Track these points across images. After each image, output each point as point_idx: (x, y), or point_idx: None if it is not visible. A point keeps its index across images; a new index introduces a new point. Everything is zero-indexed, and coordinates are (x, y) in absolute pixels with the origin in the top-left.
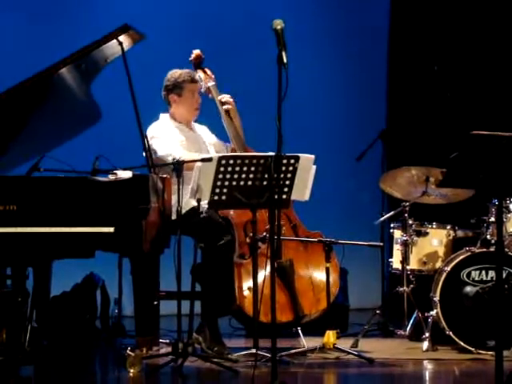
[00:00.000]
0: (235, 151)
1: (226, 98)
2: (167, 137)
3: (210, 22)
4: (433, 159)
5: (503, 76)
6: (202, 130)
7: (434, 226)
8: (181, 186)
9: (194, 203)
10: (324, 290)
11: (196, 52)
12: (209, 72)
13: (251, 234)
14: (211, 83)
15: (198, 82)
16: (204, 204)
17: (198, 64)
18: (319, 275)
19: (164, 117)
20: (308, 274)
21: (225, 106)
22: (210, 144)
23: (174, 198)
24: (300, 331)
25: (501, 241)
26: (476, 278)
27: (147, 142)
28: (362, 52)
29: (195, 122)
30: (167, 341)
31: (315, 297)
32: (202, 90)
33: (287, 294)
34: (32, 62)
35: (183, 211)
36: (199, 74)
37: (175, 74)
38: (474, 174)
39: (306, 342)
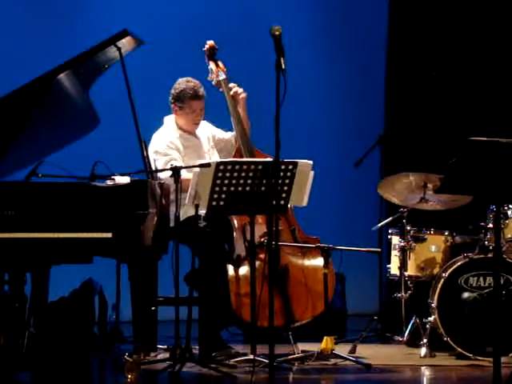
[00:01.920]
0: (241, 152)
1: (237, 89)
2: (170, 154)
3: (209, 25)
4: (431, 165)
5: (502, 82)
6: (204, 130)
7: (432, 232)
8: (179, 193)
9: (192, 212)
10: (319, 296)
11: (210, 43)
12: (221, 65)
13: (249, 238)
14: (222, 77)
15: (201, 99)
16: (202, 210)
17: (211, 55)
18: (315, 280)
19: (168, 121)
20: (304, 279)
21: (241, 95)
22: (213, 147)
23: (173, 205)
24: (291, 337)
25: (499, 247)
26: (474, 284)
27: (146, 147)
28: (360, 57)
29: None
30: (165, 346)
31: (309, 302)
32: (213, 83)
33: (280, 299)
34: (31, 67)
35: (181, 219)
36: (210, 67)
37: (181, 85)
38: (472, 180)
39: (298, 348)
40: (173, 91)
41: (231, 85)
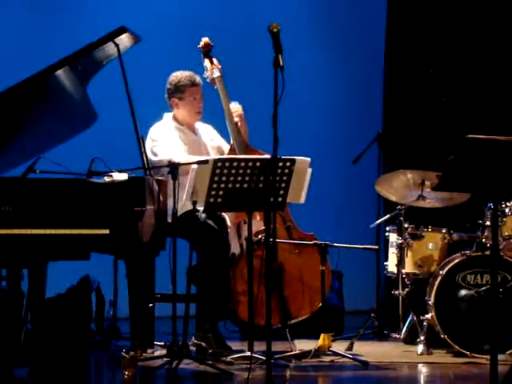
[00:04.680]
0: (234, 149)
1: (235, 108)
2: (168, 140)
3: (209, 23)
4: (429, 163)
5: (499, 79)
6: (206, 131)
7: (430, 230)
8: (176, 189)
9: (190, 206)
10: (315, 293)
11: (204, 40)
12: (215, 62)
13: (245, 236)
14: (216, 74)
15: (199, 86)
16: (200, 207)
17: (206, 52)
18: (311, 277)
19: (167, 117)
20: (300, 277)
21: (235, 119)
22: (213, 147)
23: (170, 201)
24: (288, 334)
25: (496, 244)
26: (471, 282)
27: (143, 143)
28: (358, 55)
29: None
30: (162, 343)
31: (306, 299)
32: (208, 80)
33: (275, 297)
34: (30, 63)
35: (179, 213)
36: (205, 64)
37: (176, 77)
38: (469, 177)
39: (295, 345)
40: (169, 86)
41: (234, 110)
